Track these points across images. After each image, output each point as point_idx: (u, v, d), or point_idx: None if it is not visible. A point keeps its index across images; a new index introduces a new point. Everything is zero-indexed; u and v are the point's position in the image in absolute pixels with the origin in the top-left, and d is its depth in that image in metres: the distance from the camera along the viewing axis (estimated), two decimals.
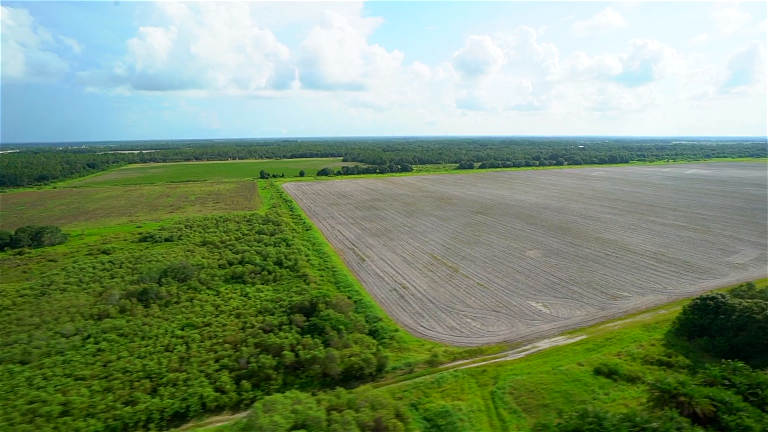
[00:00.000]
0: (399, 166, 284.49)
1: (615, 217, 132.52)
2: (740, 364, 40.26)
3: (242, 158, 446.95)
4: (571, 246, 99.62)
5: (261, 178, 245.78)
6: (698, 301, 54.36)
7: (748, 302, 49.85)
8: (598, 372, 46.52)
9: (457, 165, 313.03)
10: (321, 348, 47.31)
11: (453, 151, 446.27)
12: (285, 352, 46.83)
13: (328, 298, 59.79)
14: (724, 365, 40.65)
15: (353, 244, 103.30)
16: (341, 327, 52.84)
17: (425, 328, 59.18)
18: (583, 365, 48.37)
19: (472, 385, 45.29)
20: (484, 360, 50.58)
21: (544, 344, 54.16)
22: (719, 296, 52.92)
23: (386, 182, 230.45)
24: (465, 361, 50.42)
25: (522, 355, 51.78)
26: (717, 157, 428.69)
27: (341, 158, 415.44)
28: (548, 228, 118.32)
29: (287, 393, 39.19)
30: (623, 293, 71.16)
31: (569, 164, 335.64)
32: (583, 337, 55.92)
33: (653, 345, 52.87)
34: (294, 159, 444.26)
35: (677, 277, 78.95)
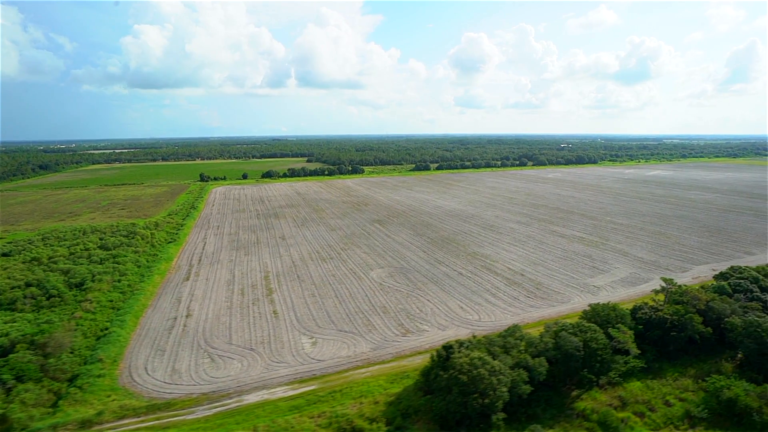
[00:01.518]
0: (350, 168, 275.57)
1: (517, 227, 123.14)
2: None
3: (211, 158, 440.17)
4: (432, 263, 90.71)
5: (200, 180, 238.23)
6: (440, 349, 45.64)
7: (472, 355, 41.01)
8: None
9: (414, 166, 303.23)
10: None
11: (423, 150, 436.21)
12: None
13: (37, 337, 51.67)
14: None
15: (200, 260, 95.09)
16: (7, 377, 44.64)
17: (145, 371, 50.87)
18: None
19: None
20: (158, 419, 42.19)
21: (253, 397, 45.66)
22: (456, 344, 44.14)
23: (323, 185, 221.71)
24: (133, 420, 42.08)
25: (211, 412, 43.33)
26: (695, 157, 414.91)
27: (305, 159, 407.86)
28: (431, 240, 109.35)
29: None
30: (424, 326, 62.36)
31: (534, 165, 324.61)
32: (311, 388, 47.33)
33: (376, 403, 44.15)
34: (264, 159, 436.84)
35: (509, 304, 69.98)
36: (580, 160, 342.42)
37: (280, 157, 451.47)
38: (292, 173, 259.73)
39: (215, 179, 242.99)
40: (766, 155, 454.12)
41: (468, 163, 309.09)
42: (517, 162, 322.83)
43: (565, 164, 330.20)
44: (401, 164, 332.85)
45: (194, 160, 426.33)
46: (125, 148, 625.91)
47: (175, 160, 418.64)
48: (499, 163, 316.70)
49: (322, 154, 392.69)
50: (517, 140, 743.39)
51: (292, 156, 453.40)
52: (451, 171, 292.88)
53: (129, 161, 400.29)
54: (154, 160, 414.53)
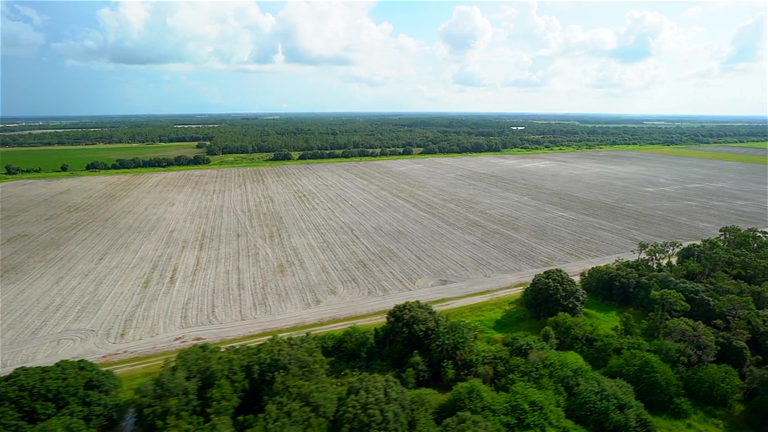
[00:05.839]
0: (191, 158, 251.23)
1: (99, 262, 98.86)
2: None
3: (119, 142, 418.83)
4: None
5: (6, 173, 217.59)
6: None
7: None
8: None
9: (272, 156, 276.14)
10: None
11: (324, 137, 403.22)
12: None
13: None
14: None
15: None
16: None
17: None
18: None
19: None
20: None
21: None
22: None
23: (124, 181, 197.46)
24: None
25: None
26: (627, 144, 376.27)
27: (196, 143, 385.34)
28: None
29: None
30: None
31: (424, 153, 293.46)
32: None
33: None
34: (170, 143, 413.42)
35: None
36: (478, 148, 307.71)
37: (189, 141, 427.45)
38: (122, 164, 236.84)
39: (26, 171, 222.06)
40: (706, 143, 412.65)
41: (339, 152, 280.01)
42: (401, 150, 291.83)
43: (459, 153, 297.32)
44: (282, 151, 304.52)
45: (94, 144, 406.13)
46: (91, 127, 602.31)
47: (71, 145, 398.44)
48: (379, 151, 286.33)
49: (214, 141, 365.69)
50: (482, 121, 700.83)
51: (202, 139, 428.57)
52: (309, 161, 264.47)
53: (20, 146, 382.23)
54: (50, 145, 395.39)
